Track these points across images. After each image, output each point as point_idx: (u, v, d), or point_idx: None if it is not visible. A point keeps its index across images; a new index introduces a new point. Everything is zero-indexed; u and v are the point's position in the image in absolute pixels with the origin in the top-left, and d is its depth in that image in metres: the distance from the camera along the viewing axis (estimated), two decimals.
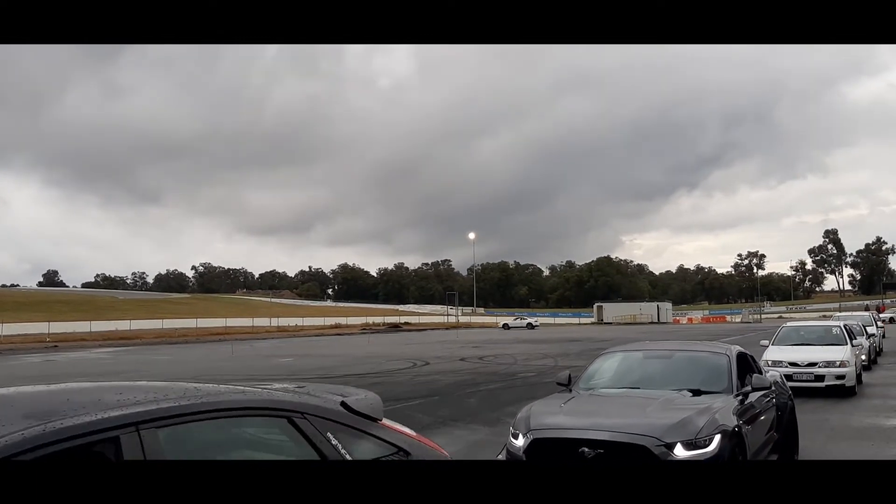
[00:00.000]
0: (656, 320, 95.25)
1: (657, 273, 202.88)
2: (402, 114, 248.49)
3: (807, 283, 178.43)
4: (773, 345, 15.83)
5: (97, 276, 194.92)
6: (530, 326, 79.54)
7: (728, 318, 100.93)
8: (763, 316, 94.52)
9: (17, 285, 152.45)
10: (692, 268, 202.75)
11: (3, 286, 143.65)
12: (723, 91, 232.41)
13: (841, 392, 14.04)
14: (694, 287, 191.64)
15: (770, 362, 13.93)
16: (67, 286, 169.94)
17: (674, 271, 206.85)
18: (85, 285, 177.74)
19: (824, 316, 67.16)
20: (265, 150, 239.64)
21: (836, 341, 15.54)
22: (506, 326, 78.69)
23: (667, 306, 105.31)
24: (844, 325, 16.84)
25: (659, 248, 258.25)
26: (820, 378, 14.03)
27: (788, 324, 17.98)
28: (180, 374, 24.27)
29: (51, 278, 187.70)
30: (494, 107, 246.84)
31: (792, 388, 10.76)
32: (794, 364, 14.28)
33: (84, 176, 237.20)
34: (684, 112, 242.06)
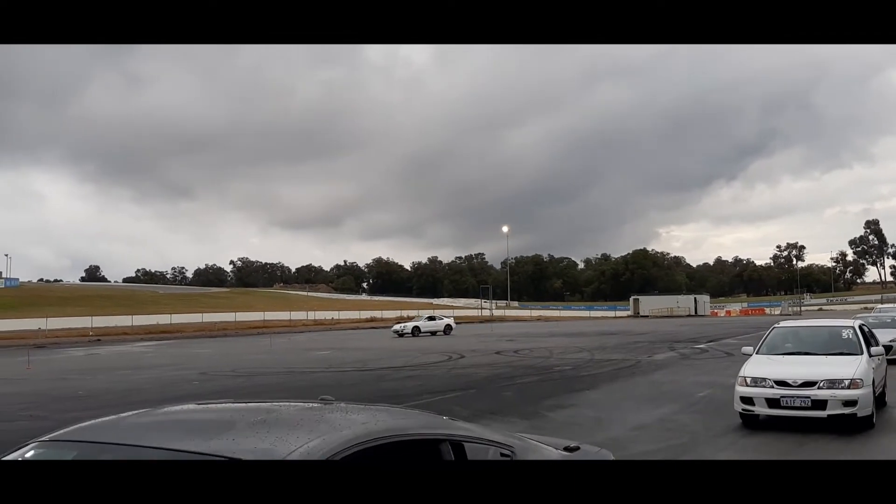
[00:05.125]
0: (694, 313, 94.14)
1: (694, 265, 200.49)
2: (427, 104, 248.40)
3: (847, 275, 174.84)
4: (757, 353, 11.43)
5: (138, 271, 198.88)
6: (448, 330, 50.71)
7: (767, 310, 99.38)
8: (803, 308, 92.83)
9: (60, 280, 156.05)
10: (730, 260, 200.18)
11: (47, 281, 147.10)
12: (762, 77, 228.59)
13: (850, 426, 9.67)
14: (732, 279, 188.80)
15: (749, 380, 10.28)
16: (109, 281, 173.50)
17: (711, 263, 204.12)
18: (126, 280, 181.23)
19: (865, 308, 65.75)
20: (292, 143, 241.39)
21: (845, 349, 10.97)
22: (416, 331, 49.07)
23: (704, 299, 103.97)
24: (860, 326, 11.77)
25: (697, 241, 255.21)
26: (820, 405, 9.71)
27: (782, 324, 12.93)
28: (222, 366, 24.75)
29: (93, 273, 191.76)
30: (525, 96, 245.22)
31: (779, 418, 10.02)
32: (782, 383, 9.96)
33: (116, 170, 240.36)
34: (722, 100, 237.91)
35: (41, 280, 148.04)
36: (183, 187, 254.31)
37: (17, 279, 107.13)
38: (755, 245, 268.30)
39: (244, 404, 3.39)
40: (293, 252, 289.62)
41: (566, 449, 3.76)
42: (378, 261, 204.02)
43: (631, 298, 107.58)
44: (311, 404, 3.32)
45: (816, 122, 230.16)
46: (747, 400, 10.22)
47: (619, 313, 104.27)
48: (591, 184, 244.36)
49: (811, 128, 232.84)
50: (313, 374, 21.35)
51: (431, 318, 53.08)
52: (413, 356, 27.31)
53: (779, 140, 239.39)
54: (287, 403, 3.33)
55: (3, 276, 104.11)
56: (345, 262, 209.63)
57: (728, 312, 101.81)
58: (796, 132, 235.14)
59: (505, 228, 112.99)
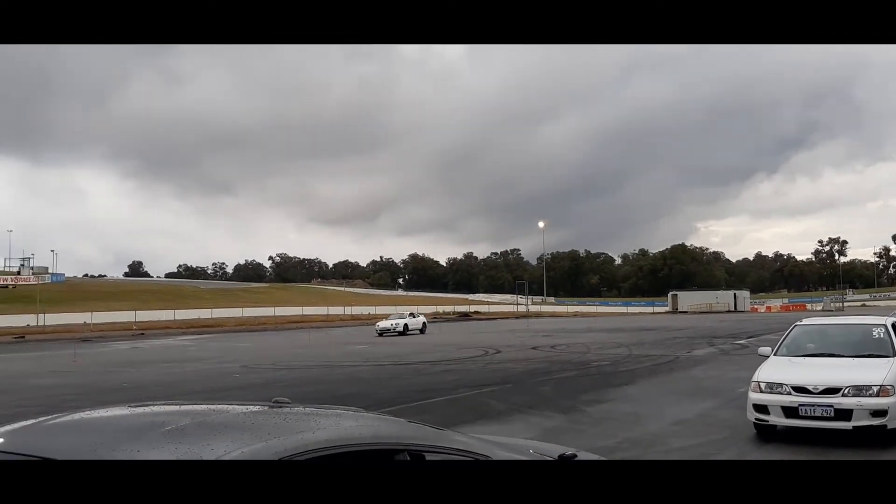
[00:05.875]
0: (733, 309, 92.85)
1: (734, 261, 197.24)
2: (461, 99, 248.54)
3: (891, 270, 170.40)
4: (775, 354, 10.25)
5: (179, 266, 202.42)
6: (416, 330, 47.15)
7: (808, 306, 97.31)
8: (845, 304, 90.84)
9: (105, 276, 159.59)
10: (770, 255, 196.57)
11: (91, 277, 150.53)
12: (802, 68, 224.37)
13: (879, 438, 8.51)
14: (772, 275, 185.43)
15: (763, 385, 9.13)
16: (152, 276, 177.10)
17: (751, 259, 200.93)
18: (168, 275, 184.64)
19: None
20: (328, 139, 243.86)
21: (875, 351, 9.66)
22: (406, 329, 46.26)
23: (744, 294, 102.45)
24: (894, 324, 10.26)
25: (736, 235, 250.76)
26: (844, 415, 8.50)
27: (804, 321, 11.37)
28: (262, 359, 25.11)
29: (136, 269, 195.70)
30: (560, 89, 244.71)
31: (798, 429, 8.86)
32: (800, 390, 8.81)
33: (157, 166, 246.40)
34: (762, 92, 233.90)
35: (86, 275, 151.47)
36: (223, 183, 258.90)
37: (64, 274, 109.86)
38: (796, 240, 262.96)
39: (176, 407, 2.97)
40: (330, 248, 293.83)
41: (560, 457, 3.43)
42: (413, 257, 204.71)
43: (669, 294, 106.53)
44: (256, 408, 2.90)
45: (858, 114, 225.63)
46: (761, 408, 9.05)
47: (656, 309, 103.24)
48: (628, 178, 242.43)
49: (853, 120, 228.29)
50: (351, 368, 21.57)
51: (413, 315, 49.92)
52: (449, 351, 27.40)
53: (820, 132, 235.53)
54: (228, 407, 2.91)
55: (50, 271, 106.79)
56: (381, 257, 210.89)
57: (768, 308, 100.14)
58: (838, 124, 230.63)
59: (541, 223, 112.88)
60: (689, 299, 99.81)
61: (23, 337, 46.14)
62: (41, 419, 2.68)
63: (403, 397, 14.11)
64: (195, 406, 2.94)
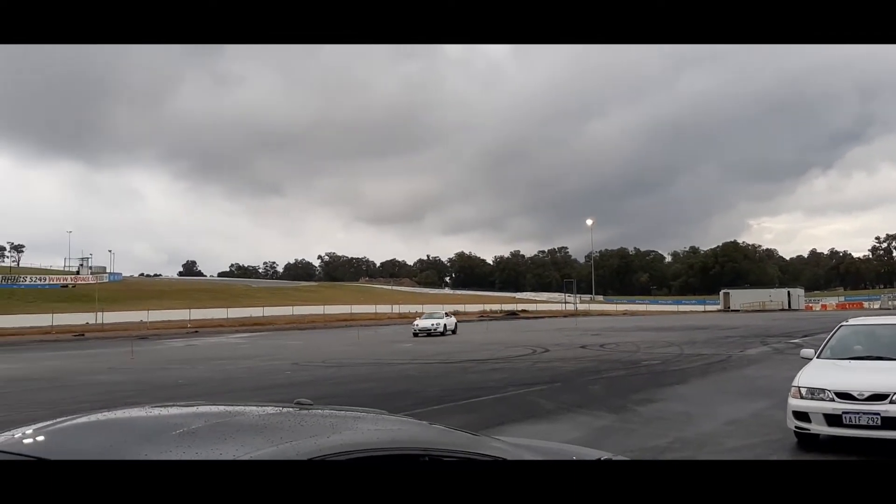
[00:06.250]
0: (787, 307, 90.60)
1: (787, 258, 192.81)
2: (506, 97, 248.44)
3: None
4: (819, 357, 9.52)
5: (231, 265, 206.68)
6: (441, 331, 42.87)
7: (865, 304, 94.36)
8: None
9: (160, 275, 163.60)
10: (825, 252, 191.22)
11: (147, 276, 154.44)
12: (857, 60, 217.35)
13: None
14: (828, 272, 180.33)
15: (804, 391, 8.46)
16: (205, 275, 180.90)
17: (805, 256, 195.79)
18: (220, 274, 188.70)
19: None
20: (374, 138, 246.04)
21: None
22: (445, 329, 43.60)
23: (799, 292, 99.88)
24: None
25: (790, 232, 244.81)
26: (891, 423, 7.80)
27: (851, 321, 10.44)
28: (313, 357, 25.44)
29: (190, 268, 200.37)
30: (607, 85, 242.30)
31: (842, 438, 8.14)
32: (845, 396, 8.11)
33: (207, 167, 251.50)
34: (816, 85, 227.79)
35: (142, 275, 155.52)
36: (271, 184, 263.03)
37: (120, 274, 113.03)
38: (852, 236, 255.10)
39: (193, 408, 2.91)
40: (377, 246, 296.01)
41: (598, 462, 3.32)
42: (460, 255, 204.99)
43: (721, 292, 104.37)
44: (274, 410, 2.83)
45: None
46: (801, 416, 8.39)
47: (708, 307, 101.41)
48: (678, 174, 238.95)
49: None
50: (399, 366, 21.71)
51: (448, 315, 46.89)
52: (497, 349, 27.36)
53: (877, 126, 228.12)
54: (245, 408, 2.84)
55: (108, 271, 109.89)
56: (427, 256, 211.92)
57: (824, 307, 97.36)
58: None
59: (589, 221, 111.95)
60: (741, 297, 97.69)
61: (82, 335, 47.62)
62: (57, 420, 2.66)
63: (451, 395, 14.13)
64: (212, 407, 2.93)
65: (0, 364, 25.48)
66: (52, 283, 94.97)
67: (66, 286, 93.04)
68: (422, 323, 43.55)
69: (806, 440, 8.56)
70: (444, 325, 43.60)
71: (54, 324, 54.73)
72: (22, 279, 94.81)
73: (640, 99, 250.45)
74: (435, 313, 46.87)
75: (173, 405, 3.01)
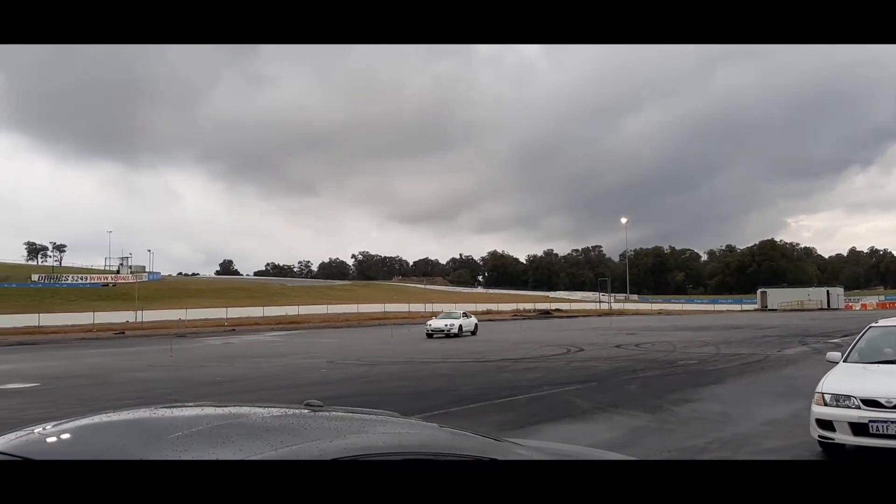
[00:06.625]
0: (826, 307, 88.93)
1: (826, 257, 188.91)
2: (538, 94, 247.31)
3: None
4: (846, 360, 9.01)
5: (267, 264, 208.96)
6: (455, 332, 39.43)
7: None
8: None
9: (197, 274, 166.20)
10: (866, 250, 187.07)
11: (185, 275, 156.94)
12: None
13: None
14: (868, 271, 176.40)
15: (828, 398, 7.83)
16: (241, 274, 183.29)
17: (845, 254, 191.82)
18: (257, 273, 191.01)
19: None
20: (407, 137, 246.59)
21: None
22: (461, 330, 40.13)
23: (838, 291, 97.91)
24: None
25: (829, 230, 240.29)
26: None
27: (881, 322, 10.03)
28: (347, 355, 25.63)
29: (227, 267, 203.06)
30: (640, 82, 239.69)
31: (870, 448, 7.49)
32: (872, 403, 7.49)
33: (243, 168, 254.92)
34: (854, 80, 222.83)
35: (180, 274, 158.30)
36: (305, 183, 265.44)
37: (159, 273, 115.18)
38: (893, 234, 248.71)
39: (198, 410, 2.86)
40: (410, 246, 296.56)
41: None
42: (493, 254, 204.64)
43: (758, 291, 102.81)
44: (279, 412, 2.77)
45: None
46: (825, 424, 7.79)
47: (745, 307, 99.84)
48: (714, 172, 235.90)
49: None
50: (433, 364, 21.77)
51: (466, 316, 43.72)
52: (531, 348, 27.28)
53: None
54: (251, 410, 2.80)
55: (147, 270, 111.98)
56: (460, 255, 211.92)
57: (864, 306, 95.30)
58: None
59: (623, 219, 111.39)
60: (779, 297, 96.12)
61: (122, 333, 48.54)
62: (62, 421, 2.64)
63: (486, 394, 14.12)
64: (217, 409, 2.90)
65: (44, 361, 26.13)
66: (92, 282, 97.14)
67: (106, 285, 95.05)
68: (435, 323, 40.82)
69: (830, 450, 7.96)
70: (460, 325, 40.38)
71: (95, 322, 55.90)
72: (64, 278, 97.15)
73: (675, 95, 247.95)
74: (452, 313, 44.62)
75: (179, 406, 2.98)
